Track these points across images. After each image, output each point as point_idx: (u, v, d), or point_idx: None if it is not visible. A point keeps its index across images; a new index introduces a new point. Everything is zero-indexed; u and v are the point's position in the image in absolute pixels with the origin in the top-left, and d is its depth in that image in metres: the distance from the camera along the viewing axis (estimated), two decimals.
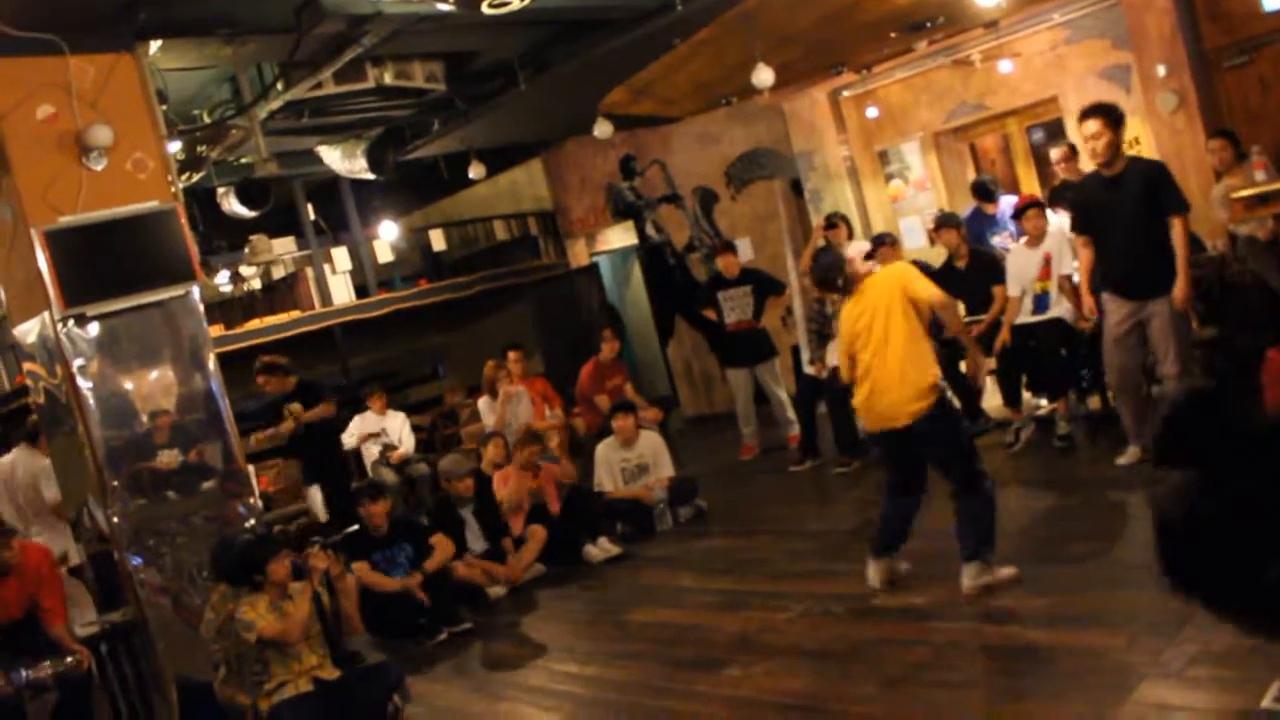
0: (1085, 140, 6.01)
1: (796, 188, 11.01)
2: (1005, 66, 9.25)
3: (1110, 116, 5.83)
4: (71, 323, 5.70)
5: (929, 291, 4.97)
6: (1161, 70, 8.20)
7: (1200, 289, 6.97)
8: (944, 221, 7.97)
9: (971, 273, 7.73)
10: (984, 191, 8.75)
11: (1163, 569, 1.80)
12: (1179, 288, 5.82)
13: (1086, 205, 6.23)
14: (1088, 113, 5.92)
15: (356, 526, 6.68)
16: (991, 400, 7.65)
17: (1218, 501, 1.74)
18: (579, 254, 14.66)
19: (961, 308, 7.91)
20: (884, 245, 8.21)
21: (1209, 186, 7.43)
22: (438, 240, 15.07)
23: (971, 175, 10.03)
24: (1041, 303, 7.22)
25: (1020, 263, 7.32)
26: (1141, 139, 8.39)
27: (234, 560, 5.53)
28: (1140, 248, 5.94)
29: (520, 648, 6.08)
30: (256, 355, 9.78)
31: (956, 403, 5.15)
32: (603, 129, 9.91)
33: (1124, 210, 5.91)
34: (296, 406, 8.65)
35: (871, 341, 5.02)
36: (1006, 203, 8.61)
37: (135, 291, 5.82)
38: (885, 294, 5.01)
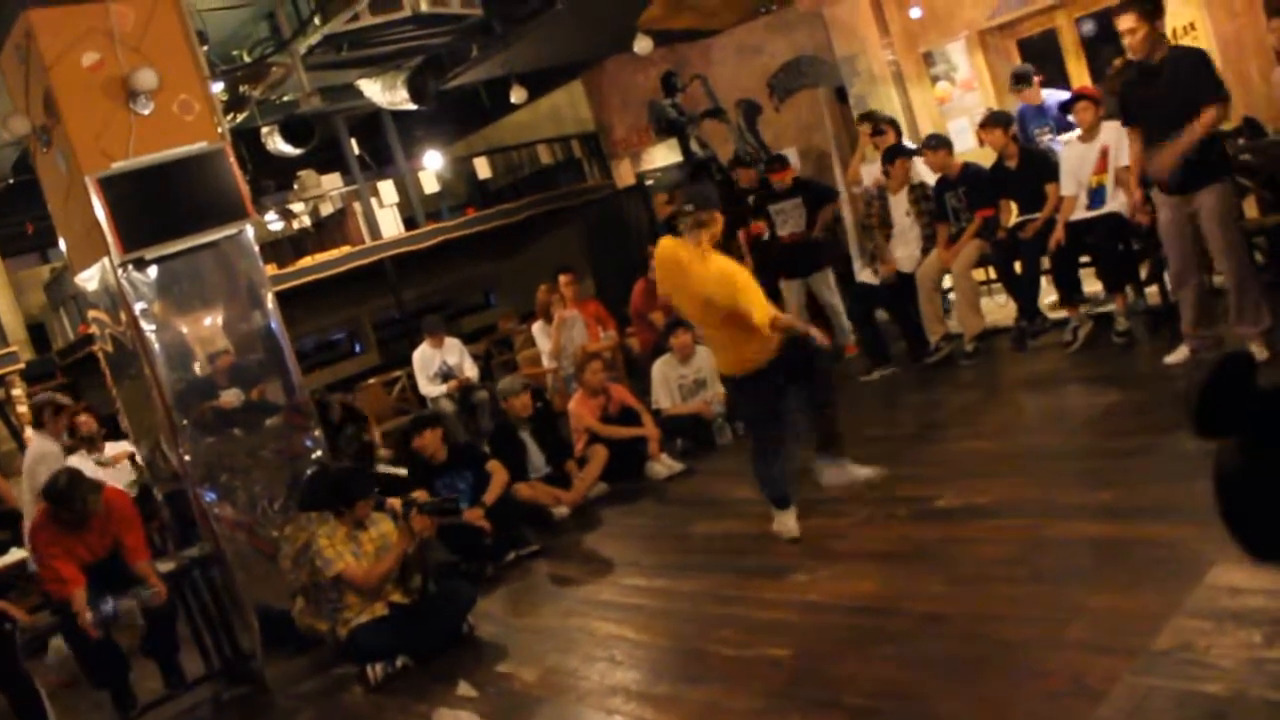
0: (1122, 36, 5.83)
1: (841, 95, 10.83)
2: None
3: (1143, 8, 5.66)
4: (131, 267, 5.80)
5: (757, 318, 4.96)
6: None
7: (1263, 176, 6.82)
8: (990, 120, 7.76)
9: (1023, 172, 7.56)
10: (1019, 78, 8.50)
11: (1226, 524, 1.82)
12: (1168, 153, 5.59)
13: (1128, 97, 6.06)
14: (1121, 7, 5.73)
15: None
16: (1048, 300, 7.54)
17: (1262, 467, 1.75)
18: (624, 174, 14.60)
19: (1014, 208, 7.81)
20: (929, 148, 8.04)
21: (1270, 70, 7.20)
22: (483, 168, 15.09)
23: None
24: (1097, 197, 7.05)
25: (1075, 157, 7.13)
26: (1198, 25, 8.09)
27: (328, 486, 5.60)
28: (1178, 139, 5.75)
29: (588, 564, 6.16)
30: (311, 292, 9.87)
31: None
32: (643, 45, 9.83)
33: (1162, 101, 5.73)
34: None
35: (710, 311, 5.15)
36: (1053, 97, 8.41)
37: (190, 232, 5.91)
38: (722, 287, 5.03)
